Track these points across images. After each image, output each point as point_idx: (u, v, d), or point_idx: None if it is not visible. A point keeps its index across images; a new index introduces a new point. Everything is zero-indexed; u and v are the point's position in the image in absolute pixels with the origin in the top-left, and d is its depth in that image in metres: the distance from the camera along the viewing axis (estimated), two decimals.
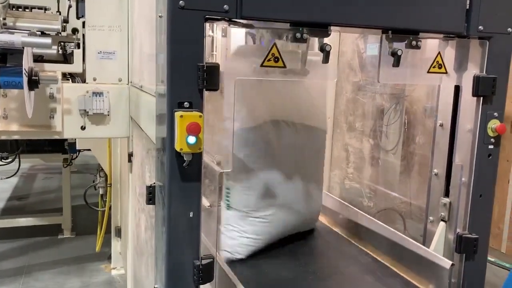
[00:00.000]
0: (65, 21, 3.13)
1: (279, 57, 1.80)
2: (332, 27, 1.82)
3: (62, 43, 3.12)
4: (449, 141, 2.34)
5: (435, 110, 2.48)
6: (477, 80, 1.99)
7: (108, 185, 4.46)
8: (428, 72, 2.03)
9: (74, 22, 3.17)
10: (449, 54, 2.09)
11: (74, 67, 3.11)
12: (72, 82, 3.20)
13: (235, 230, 2.39)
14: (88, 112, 3.05)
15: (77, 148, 4.60)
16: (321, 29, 1.80)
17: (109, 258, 4.75)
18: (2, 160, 5.13)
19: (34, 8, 3.12)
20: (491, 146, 2.06)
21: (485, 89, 1.99)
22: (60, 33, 3.10)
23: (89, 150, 4.52)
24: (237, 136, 2.19)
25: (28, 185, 7.68)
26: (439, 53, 2.02)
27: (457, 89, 2.20)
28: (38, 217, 5.53)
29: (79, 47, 3.09)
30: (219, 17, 1.64)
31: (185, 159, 1.63)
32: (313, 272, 2.35)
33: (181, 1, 1.57)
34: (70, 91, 3.06)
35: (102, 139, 4.13)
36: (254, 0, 1.65)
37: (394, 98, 3.09)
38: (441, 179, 2.43)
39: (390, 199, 3.09)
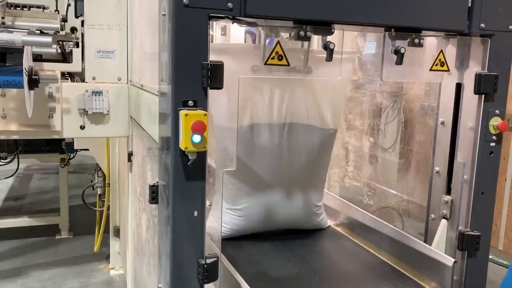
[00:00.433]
0: (64, 20, 3.12)
1: (283, 55, 1.80)
2: (335, 25, 1.82)
3: (61, 42, 3.10)
4: (450, 139, 2.35)
5: (436, 108, 2.49)
6: (478, 77, 2.00)
7: (106, 185, 4.44)
8: (431, 70, 2.04)
9: (73, 21, 3.15)
10: (451, 51, 2.09)
11: (73, 66, 3.09)
12: (71, 81, 3.18)
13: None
14: (87, 111, 3.03)
15: (75, 148, 4.58)
16: (324, 27, 1.81)
17: (108, 258, 4.72)
18: (1, 160, 5.10)
19: (33, 7, 3.11)
20: (492, 144, 2.07)
21: (487, 86, 2.00)
22: (59, 32, 3.08)
23: (87, 150, 4.50)
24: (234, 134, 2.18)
25: (24, 185, 7.63)
26: (441, 51, 2.03)
27: (459, 87, 2.21)
28: (35, 218, 5.49)
29: (78, 46, 3.07)
30: (223, 15, 1.64)
31: (190, 158, 1.62)
32: (316, 270, 2.35)
33: None
34: (69, 91, 3.03)
35: (101, 139, 4.11)
36: None
37: (392, 96, 3.10)
38: (442, 177, 2.44)
39: (389, 197, 3.11)
